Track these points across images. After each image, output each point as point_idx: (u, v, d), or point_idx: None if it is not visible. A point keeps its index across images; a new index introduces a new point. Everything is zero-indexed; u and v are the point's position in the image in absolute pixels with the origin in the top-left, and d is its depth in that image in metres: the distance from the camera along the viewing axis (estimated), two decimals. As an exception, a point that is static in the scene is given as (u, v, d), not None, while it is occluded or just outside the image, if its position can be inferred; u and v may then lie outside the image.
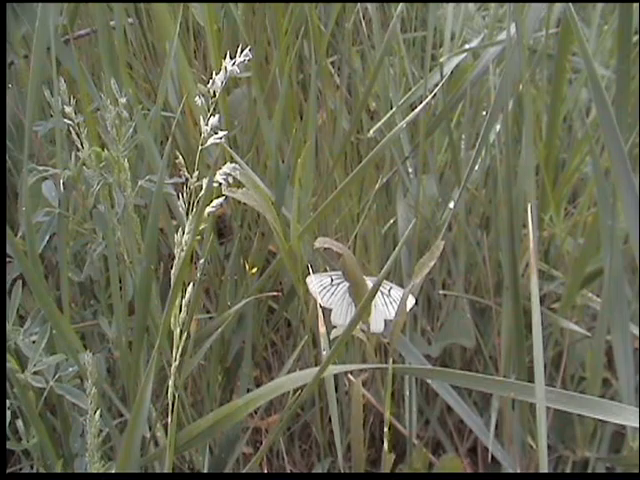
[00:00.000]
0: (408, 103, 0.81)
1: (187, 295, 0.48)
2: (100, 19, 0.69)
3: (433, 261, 0.58)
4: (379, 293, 0.65)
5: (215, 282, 0.79)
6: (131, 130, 0.59)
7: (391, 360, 0.56)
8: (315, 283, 0.66)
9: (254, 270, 0.75)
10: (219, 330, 0.66)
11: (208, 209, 0.46)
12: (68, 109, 0.56)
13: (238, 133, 0.85)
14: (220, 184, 0.46)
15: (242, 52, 0.44)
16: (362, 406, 0.59)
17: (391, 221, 0.83)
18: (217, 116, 0.46)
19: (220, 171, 0.45)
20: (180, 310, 0.48)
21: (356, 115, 0.76)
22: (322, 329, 0.52)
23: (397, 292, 0.65)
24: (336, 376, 0.77)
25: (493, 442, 0.71)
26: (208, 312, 0.80)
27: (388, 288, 0.65)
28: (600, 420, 0.47)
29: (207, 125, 0.46)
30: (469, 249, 0.80)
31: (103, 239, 0.60)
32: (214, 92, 0.44)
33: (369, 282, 0.66)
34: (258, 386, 0.78)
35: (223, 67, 0.45)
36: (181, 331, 0.48)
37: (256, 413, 0.77)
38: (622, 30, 0.58)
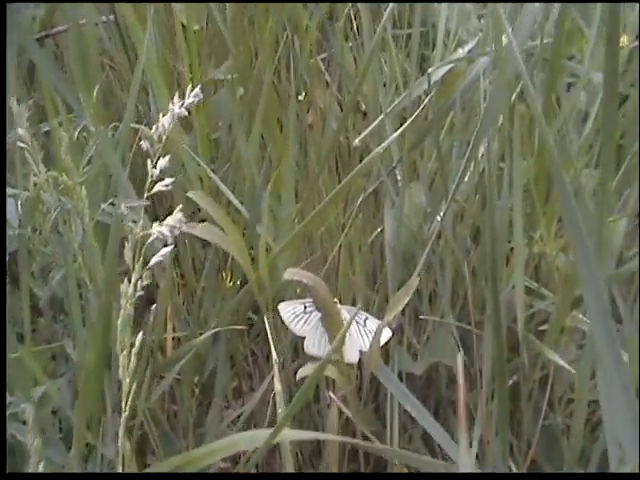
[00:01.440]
0: (398, 109, 0.77)
1: (137, 344, 0.45)
2: (71, 17, 0.65)
3: (407, 297, 0.56)
4: (354, 323, 0.63)
5: (192, 295, 0.77)
6: (93, 151, 0.56)
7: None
8: (287, 311, 0.63)
9: (231, 283, 0.72)
10: (191, 352, 0.64)
11: (155, 259, 0.43)
12: (21, 131, 0.52)
13: (223, 135, 0.82)
14: (170, 234, 0.42)
15: (191, 92, 0.40)
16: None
17: (378, 230, 0.79)
18: (167, 158, 0.42)
19: (165, 222, 0.42)
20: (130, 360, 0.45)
21: (343, 117, 0.71)
22: (277, 386, 0.48)
23: (373, 323, 0.63)
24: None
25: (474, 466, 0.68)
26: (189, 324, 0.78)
27: (364, 318, 0.63)
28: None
29: (155, 168, 0.42)
30: (456, 262, 0.76)
31: (64, 264, 0.57)
32: (160, 136, 0.40)
33: (344, 312, 0.63)
34: (238, 397, 0.75)
35: (170, 109, 0.41)
36: (131, 381, 0.45)
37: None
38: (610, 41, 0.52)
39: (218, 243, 0.55)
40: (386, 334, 0.61)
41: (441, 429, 0.66)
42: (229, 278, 0.72)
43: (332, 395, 0.62)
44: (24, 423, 0.47)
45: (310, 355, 0.63)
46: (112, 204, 0.57)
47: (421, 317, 0.76)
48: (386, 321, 0.57)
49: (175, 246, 0.84)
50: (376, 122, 0.77)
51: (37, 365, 0.56)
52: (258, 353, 0.83)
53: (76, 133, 0.55)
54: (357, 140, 0.75)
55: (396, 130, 0.72)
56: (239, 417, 0.69)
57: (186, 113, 0.41)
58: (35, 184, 0.54)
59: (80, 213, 0.53)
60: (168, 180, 0.42)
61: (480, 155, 0.73)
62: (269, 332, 0.58)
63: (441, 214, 0.76)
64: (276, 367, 0.51)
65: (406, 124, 0.52)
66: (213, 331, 0.61)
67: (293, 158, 0.69)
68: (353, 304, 0.78)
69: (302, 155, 0.82)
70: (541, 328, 0.74)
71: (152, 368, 0.64)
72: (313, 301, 0.59)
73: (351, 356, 0.61)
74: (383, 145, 0.57)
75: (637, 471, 0.47)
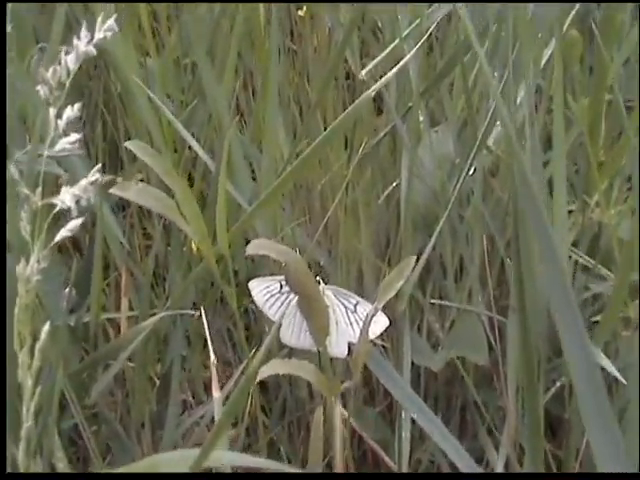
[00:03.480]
0: (420, 30, 0.72)
1: (43, 337, 0.42)
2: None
3: (401, 281, 0.52)
4: (342, 309, 0.60)
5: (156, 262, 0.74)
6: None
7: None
8: (259, 290, 0.60)
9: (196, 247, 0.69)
10: (142, 335, 0.61)
11: (60, 235, 0.39)
12: None
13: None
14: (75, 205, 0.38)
15: (104, 25, 0.36)
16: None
17: (391, 186, 0.75)
18: (76, 107, 0.38)
19: (71, 190, 0.38)
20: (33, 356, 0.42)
21: (348, 30, 0.66)
22: (216, 394, 0.45)
23: (366, 308, 0.59)
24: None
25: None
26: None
27: (354, 303, 0.59)
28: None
29: (60, 119, 0.38)
30: (489, 231, 0.72)
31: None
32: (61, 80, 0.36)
33: (329, 294, 0.60)
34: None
35: (74, 45, 0.36)
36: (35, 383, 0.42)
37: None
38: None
39: (155, 208, 0.51)
40: (381, 323, 0.57)
41: (456, 444, 0.63)
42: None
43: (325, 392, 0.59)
44: None
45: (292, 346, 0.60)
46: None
47: (434, 301, 0.73)
48: (376, 306, 0.53)
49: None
50: (392, 46, 0.72)
51: None
52: (238, 334, 0.81)
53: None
54: (364, 71, 0.70)
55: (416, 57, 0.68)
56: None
57: (95, 52, 0.37)
58: None
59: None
60: (74, 136, 0.37)
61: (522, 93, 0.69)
62: (205, 325, 0.54)
63: (472, 167, 0.73)
64: (214, 369, 0.48)
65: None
66: (168, 313, 0.57)
67: (275, 85, 0.65)
68: (359, 279, 0.75)
69: (300, 88, 0.78)
70: (595, 319, 0.70)
71: (95, 356, 0.62)
72: (287, 281, 0.55)
73: (338, 349, 0.58)
74: (399, 66, 0.53)
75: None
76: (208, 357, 0.78)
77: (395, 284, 0.54)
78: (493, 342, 0.72)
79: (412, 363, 0.70)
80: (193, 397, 0.73)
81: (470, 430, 0.75)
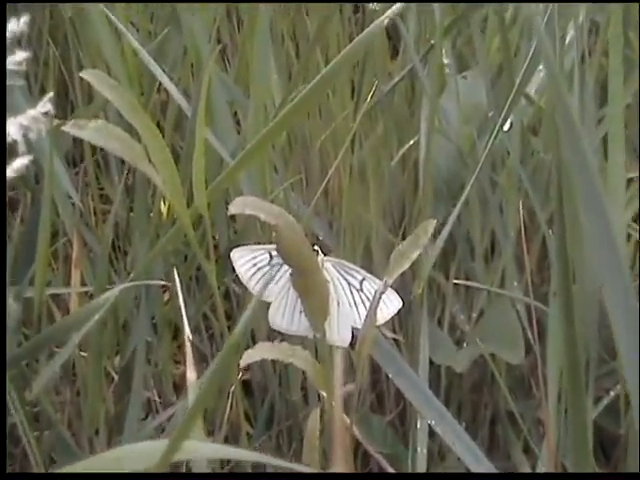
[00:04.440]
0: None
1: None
2: None
3: (416, 252, 0.54)
4: (345, 286, 0.61)
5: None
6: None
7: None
8: (244, 262, 0.62)
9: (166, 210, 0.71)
10: (97, 316, 0.62)
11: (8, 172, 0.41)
12: None
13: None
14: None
15: None
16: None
17: (408, 144, 0.77)
18: (22, 20, 0.40)
19: (17, 120, 0.39)
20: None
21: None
22: (190, 375, 0.47)
23: (374, 286, 0.61)
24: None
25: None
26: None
27: (360, 279, 0.61)
28: None
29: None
30: (526, 201, 0.73)
31: None
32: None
33: (330, 267, 0.61)
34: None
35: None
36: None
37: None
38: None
39: (117, 151, 0.52)
40: (392, 304, 0.59)
41: (484, 461, 0.64)
42: (167, 205, 0.71)
43: (323, 392, 0.60)
44: None
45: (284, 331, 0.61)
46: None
47: (458, 282, 0.74)
48: (386, 282, 0.55)
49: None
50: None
51: None
52: (218, 322, 0.82)
53: None
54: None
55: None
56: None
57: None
58: None
59: None
60: (21, 54, 0.38)
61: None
62: (180, 294, 0.56)
63: (508, 122, 0.74)
64: (188, 346, 0.49)
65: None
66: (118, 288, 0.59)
67: (266, 16, 0.66)
68: (367, 258, 0.77)
69: (296, 20, 0.79)
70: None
71: (37, 340, 0.63)
72: (278, 250, 0.57)
73: (339, 336, 0.59)
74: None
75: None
76: (179, 349, 0.81)
77: (410, 254, 0.55)
78: (531, 337, 0.73)
79: (430, 362, 0.71)
80: (159, 396, 0.74)
81: (502, 447, 0.77)
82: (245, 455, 0.44)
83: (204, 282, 0.76)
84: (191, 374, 0.48)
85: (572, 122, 0.52)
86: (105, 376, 0.72)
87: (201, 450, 0.42)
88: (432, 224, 0.56)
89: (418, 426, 0.68)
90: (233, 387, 0.72)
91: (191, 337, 0.51)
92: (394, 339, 0.74)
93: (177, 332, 0.78)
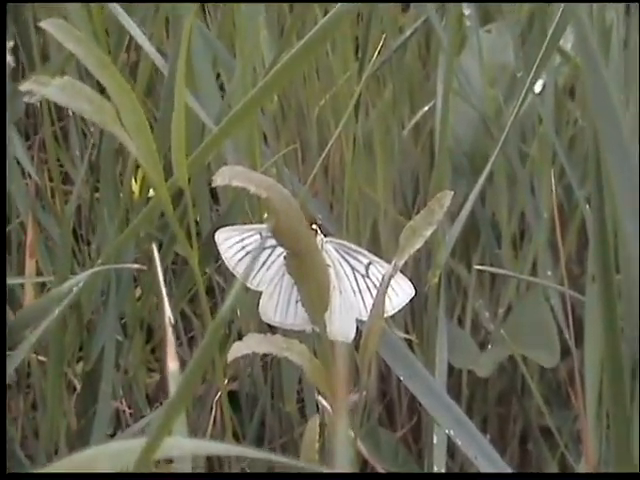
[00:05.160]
0: None
1: None
2: None
3: (430, 228, 0.54)
4: (349, 271, 0.62)
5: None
6: None
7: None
8: (230, 243, 0.63)
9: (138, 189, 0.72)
10: (54, 314, 0.64)
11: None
12: None
13: None
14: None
15: None
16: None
17: (422, 111, 0.78)
18: None
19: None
20: None
21: None
22: (171, 365, 0.48)
23: (382, 271, 0.62)
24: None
25: None
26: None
27: (365, 263, 0.62)
28: None
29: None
30: (563, 177, 0.75)
31: None
32: None
33: (330, 249, 0.63)
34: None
35: None
36: None
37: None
38: None
39: (85, 113, 0.52)
40: (403, 291, 0.60)
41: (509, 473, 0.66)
42: (140, 183, 0.72)
43: (323, 402, 0.61)
44: None
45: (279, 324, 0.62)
46: None
47: (481, 268, 0.75)
48: (395, 264, 0.56)
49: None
50: None
51: None
52: (198, 318, 0.83)
53: None
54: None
55: None
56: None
57: None
58: None
59: None
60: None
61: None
62: (159, 269, 0.57)
63: (539, 83, 0.75)
64: (169, 331, 0.50)
65: None
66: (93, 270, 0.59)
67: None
68: (373, 243, 0.78)
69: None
70: None
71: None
72: (270, 229, 0.57)
73: (342, 329, 0.60)
74: None
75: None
76: (152, 353, 0.82)
77: (423, 232, 0.56)
78: (568, 337, 0.74)
79: (449, 367, 0.72)
80: (129, 407, 0.75)
81: (534, 465, 0.78)
82: (233, 450, 0.45)
83: (182, 274, 0.77)
84: (172, 364, 0.49)
85: (604, 86, 0.53)
86: (66, 384, 0.73)
87: (185, 445, 0.43)
88: (449, 196, 0.56)
89: (435, 441, 0.69)
90: (217, 397, 0.73)
91: (173, 320, 0.52)
92: (406, 339, 0.75)
93: (150, 333, 0.79)
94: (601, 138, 0.50)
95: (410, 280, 0.60)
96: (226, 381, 0.78)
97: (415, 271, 0.79)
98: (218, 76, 0.76)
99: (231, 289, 0.34)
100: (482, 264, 0.78)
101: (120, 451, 0.44)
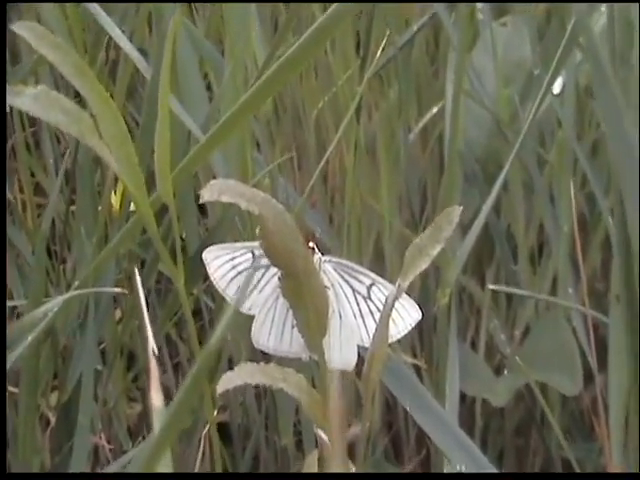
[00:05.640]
0: None
1: None
2: None
3: (437, 247, 0.55)
4: (349, 292, 0.63)
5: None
6: None
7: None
8: (219, 263, 0.64)
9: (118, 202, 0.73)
10: (27, 341, 0.65)
11: None
12: None
13: None
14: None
15: None
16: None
17: (430, 113, 0.79)
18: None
19: None
20: None
21: None
22: (155, 400, 0.49)
23: (385, 292, 0.63)
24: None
25: None
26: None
27: (367, 284, 0.63)
28: None
29: None
30: (585, 185, 0.76)
31: None
32: None
33: (329, 269, 0.64)
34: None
35: None
36: None
37: None
38: None
39: (61, 125, 0.54)
40: (409, 315, 0.61)
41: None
42: (120, 195, 0.73)
43: (323, 435, 0.62)
44: None
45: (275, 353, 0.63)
46: None
47: (495, 288, 0.76)
48: (400, 285, 0.57)
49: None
50: None
51: None
52: (177, 340, 0.84)
53: None
54: None
55: None
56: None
57: None
58: None
59: None
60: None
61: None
62: (140, 291, 0.58)
63: (559, 82, 0.76)
64: (153, 362, 0.51)
65: None
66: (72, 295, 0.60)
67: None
68: (377, 259, 0.79)
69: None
70: None
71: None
72: (264, 247, 0.58)
73: (342, 357, 0.60)
74: None
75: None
76: (134, 382, 0.83)
77: (430, 250, 0.56)
78: (592, 362, 0.75)
79: (461, 395, 0.73)
80: (109, 441, 0.76)
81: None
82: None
83: (167, 295, 0.79)
84: (156, 398, 0.50)
85: (611, 92, 0.55)
86: (39, 418, 0.74)
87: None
88: (458, 211, 0.57)
89: (447, 478, 0.71)
90: (207, 429, 0.74)
91: (157, 351, 0.53)
92: (414, 365, 0.76)
93: (132, 360, 0.80)
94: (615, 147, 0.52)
95: (417, 300, 0.61)
96: (215, 412, 0.78)
97: (423, 289, 0.80)
98: (205, 77, 0.77)
99: (221, 315, 0.35)
100: (497, 281, 0.79)
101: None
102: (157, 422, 0.50)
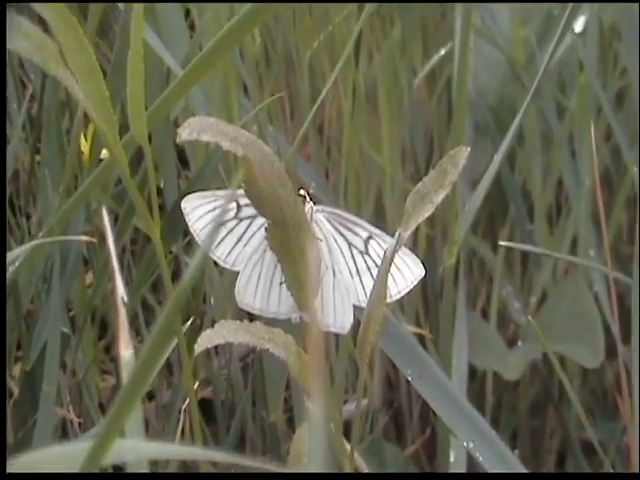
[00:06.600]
0: None
1: None
2: None
3: (442, 192, 0.55)
4: (344, 246, 0.63)
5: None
6: None
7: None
8: (200, 213, 0.63)
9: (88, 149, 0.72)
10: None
11: None
12: None
13: None
14: None
15: None
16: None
17: (436, 57, 0.78)
18: None
19: None
20: None
21: None
22: (124, 352, 0.48)
23: (384, 246, 0.62)
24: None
25: None
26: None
27: (364, 237, 0.62)
28: None
29: None
30: (608, 136, 0.75)
31: None
32: None
33: (322, 219, 0.63)
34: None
35: None
36: None
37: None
38: None
39: (23, 51, 0.53)
40: (410, 271, 0.60)
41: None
42: (90, 141, 0.72)
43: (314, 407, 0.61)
44: None
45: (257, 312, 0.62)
46: None
47: (506, 244, 0.75)
48: (400, 235, 0.56)
49: None
50: None
51: None
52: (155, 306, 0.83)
53: None
54: None
55: None
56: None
57: None
58: None
59: None
60: None
61: None
62: (113, 251, 0.57)
63: (580, 21, 0.75)
64: (122, 312, 0.50)
65: None
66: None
67: None
68: (378, 215, 0.78)
69: None
70: None
71: None
72: (248, 195, 0.58)
73: (337, 318, 0.60)
74: None
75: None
76: (106, 352, 0.82)
77: (433, 197, 0.56)
78: (615, 332, 0.75)
79: (471, 369, 0.73)
80: (78, 416, 0.76)
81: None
82: (199, 454, 0.45)
83: (143, 254, 0.78)
84: (125, 350, 0.49)
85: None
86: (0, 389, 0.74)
87: (141, 450, 0.43)
88: (465, 152, 0.56)
89: (452, 459, 0.70)
90: (186, 404, 0.73)
91: (126, 298, 0.52)
92: (418, 334, 0.75)
93: (104, 328, 0.80)
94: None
95: (422, 262, 0.60)
96: (196, 385, 0.78)
97: (429, 251, 0.79)
98: (188, 14, 0.76)
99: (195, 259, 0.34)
100: (510, 242, 0.78)
101: (63, 456, 0.44)
102: (126, 374, 0.49)
